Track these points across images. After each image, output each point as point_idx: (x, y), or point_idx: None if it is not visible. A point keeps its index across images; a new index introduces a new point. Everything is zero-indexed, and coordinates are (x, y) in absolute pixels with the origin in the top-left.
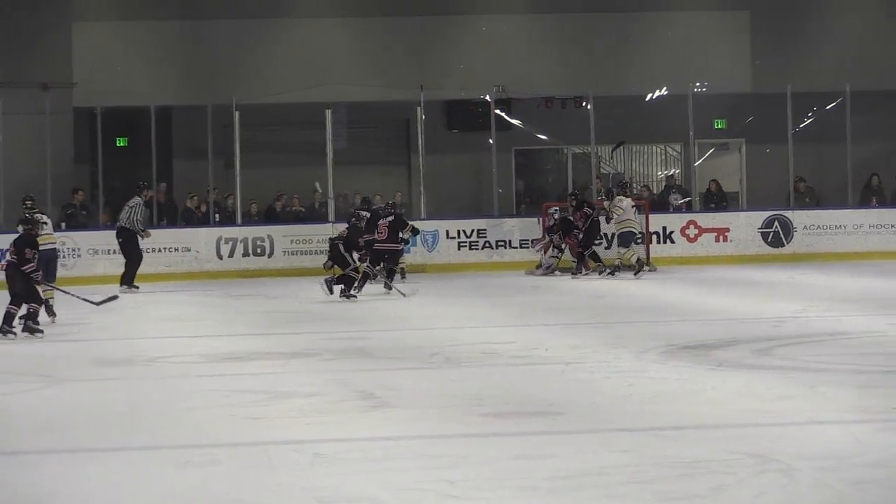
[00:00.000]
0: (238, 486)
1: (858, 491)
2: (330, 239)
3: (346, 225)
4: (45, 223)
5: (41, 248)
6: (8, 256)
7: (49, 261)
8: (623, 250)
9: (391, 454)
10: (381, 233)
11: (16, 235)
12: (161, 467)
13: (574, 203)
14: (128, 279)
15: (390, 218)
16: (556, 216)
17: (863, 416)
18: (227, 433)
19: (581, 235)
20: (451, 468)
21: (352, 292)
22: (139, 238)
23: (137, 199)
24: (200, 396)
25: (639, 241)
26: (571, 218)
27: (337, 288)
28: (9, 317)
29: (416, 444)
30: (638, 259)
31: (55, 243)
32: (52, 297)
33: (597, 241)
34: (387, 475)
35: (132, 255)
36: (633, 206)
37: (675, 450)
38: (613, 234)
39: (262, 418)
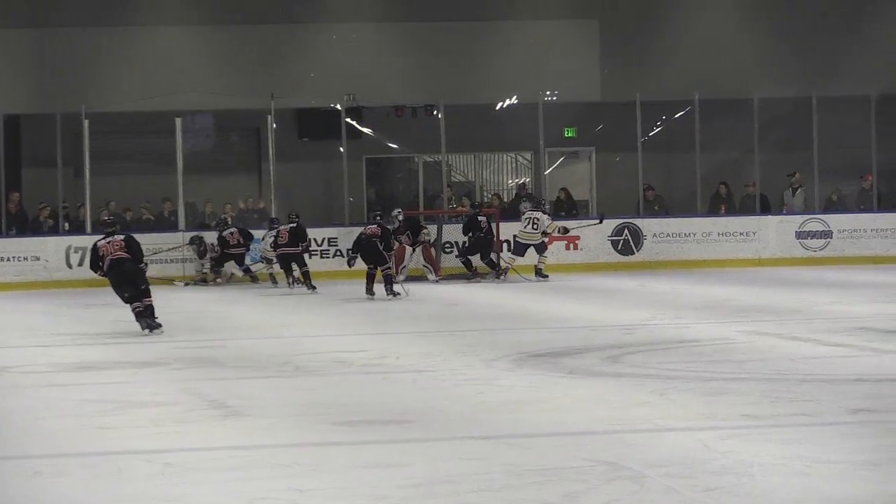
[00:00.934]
0: (88, 496)
1: (708, 497)
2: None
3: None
4: None
5: None
6: None
7: None
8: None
9: (242, 463)
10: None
11: None
12: (9, 478)
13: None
14: None
15: (292, 225)
16: (400, 217)
17: (711, 423)
18: (77, 443)
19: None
20: (302, 477)
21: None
22: None
23: None
24: (49, 406)
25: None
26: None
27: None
28: None
29: (267, 453)
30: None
31: None
32: None
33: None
34: (237, 484)
35: None
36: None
37: (525, 457)
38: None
39: (111, 428)
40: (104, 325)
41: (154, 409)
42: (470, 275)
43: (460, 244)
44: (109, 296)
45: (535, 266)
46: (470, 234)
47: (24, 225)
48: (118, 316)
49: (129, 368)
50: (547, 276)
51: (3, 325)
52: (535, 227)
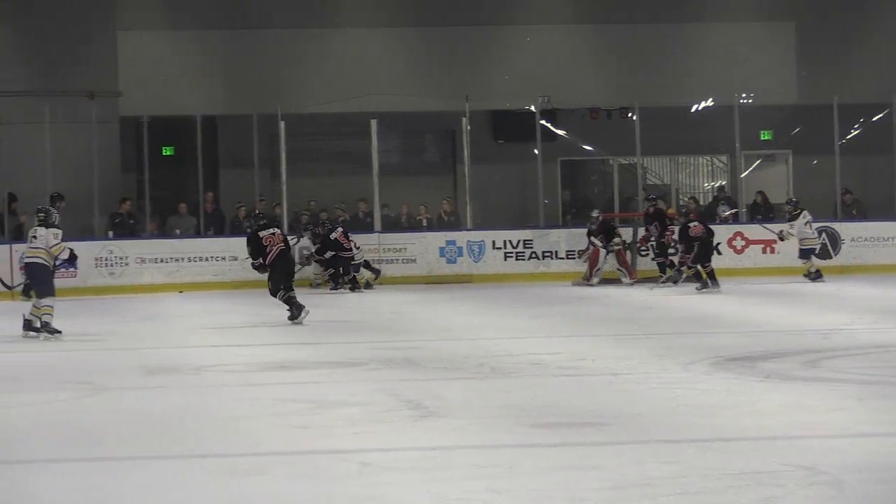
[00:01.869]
0: (285, 494)
1: None
2: None
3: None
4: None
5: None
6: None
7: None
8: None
9: (438, 464)
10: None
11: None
12: (208, 476)
13: (652, 210)
14: None
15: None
16: (599, 218)
17: None
18: (275, 442)
19: (691, 251)
20: (498, 478)
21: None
22: None
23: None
24: (247, 405)
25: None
26: (647, 228)
27: None
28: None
29: (463, 454)
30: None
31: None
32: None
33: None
34: (433, 485)
35: None
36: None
37: (722, 462)
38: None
39: (309, 427)
40: (302, 324)
41: (351, 409)
42: (664, 278)
43: (655, 246)
44: (306, 297)
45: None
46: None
47: (221, 225)
48: (317, 317)
49: (326, 368)
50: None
51: (200, 325)
52: (811, 228)
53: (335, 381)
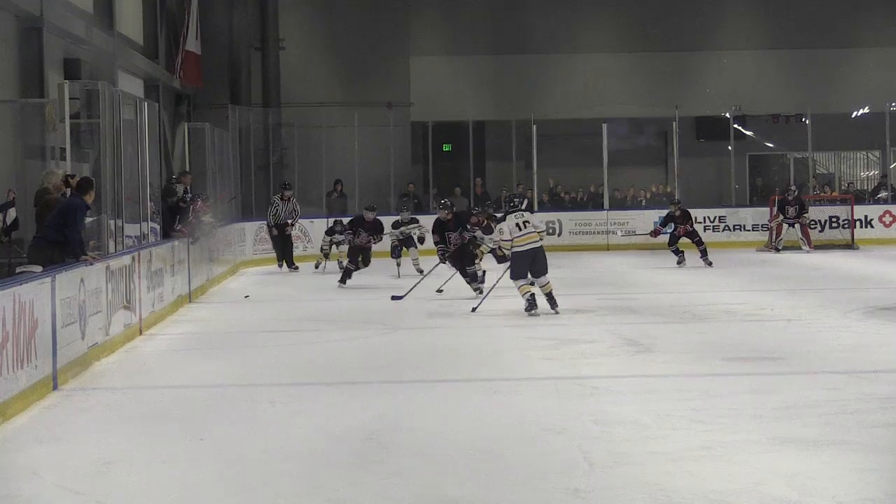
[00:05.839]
0: (533, 409)
1: None
2: None
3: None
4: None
5: None
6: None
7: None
8: None
9: (651, 388)
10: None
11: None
12: (476, 395)
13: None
14: (287, 261)
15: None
16: (795, 191)
17: None
18: (526, 370)
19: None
20: (697, 400)
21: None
22: (270, 231)
23: (274, 199)
24: (506, 342)
25: None
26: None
27: None
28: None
29: (670, 381)
30: None
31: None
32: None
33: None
34: (647, 404)
35: (275, 244)
36: None
37: (872, 387)
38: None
39: (552, 359)
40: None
41: (584, 346)
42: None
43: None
44: (554, 258)
45: None
46: None
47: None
48: (557, 275)
49: (566, 314)
50: None
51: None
52: None
53: (573, 324)
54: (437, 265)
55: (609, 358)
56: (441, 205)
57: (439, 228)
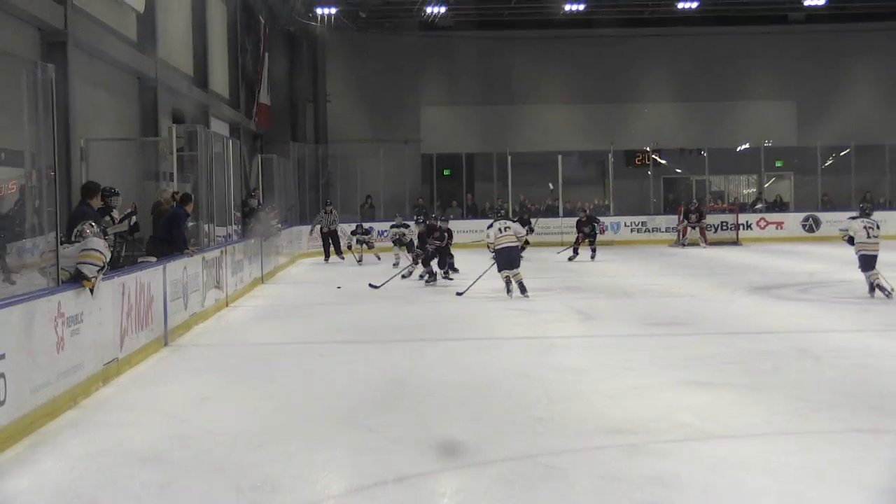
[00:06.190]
0: (510, 360)
1: None
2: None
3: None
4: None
5: None
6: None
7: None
8: None
9: (594, 345)
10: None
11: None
12: (468, 350)
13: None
14: (336, 251)
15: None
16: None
17: None
18: (504, 332)
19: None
20: (627, 353)
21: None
22: (311, 231)
23: (320, 212)
24: (490, 312)
25: None
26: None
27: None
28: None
29: (608, 340)
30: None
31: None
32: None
33: None
34: (591, 357)
35: (324, 243)
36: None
37: (752, 345)
38: None
39: (523, 324)
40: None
41: (546, 315)
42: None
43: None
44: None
45: None
46: None
47: (473, 212)
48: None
49: (532, 292)
50: None
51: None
52: None
53: (538, 300)
54: (410, 263)
55: (564, 323)
56: (416, 221)
57: (419, 237)
